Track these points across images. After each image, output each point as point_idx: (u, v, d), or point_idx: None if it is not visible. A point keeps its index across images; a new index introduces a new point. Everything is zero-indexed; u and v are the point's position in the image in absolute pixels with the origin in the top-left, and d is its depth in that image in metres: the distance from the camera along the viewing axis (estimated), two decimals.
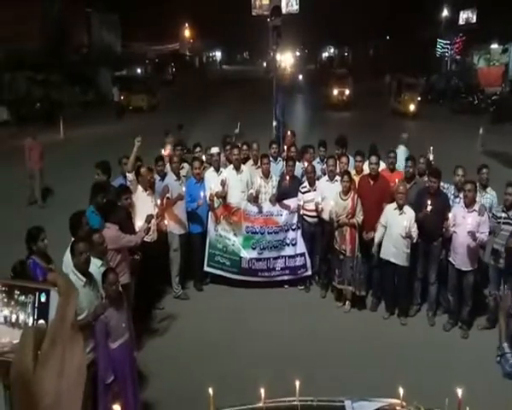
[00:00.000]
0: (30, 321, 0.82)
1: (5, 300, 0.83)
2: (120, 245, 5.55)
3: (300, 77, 31.56)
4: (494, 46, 33.17)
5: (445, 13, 41.03)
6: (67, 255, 4.63)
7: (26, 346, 0.73)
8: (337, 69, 33.40)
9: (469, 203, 6.23)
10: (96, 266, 4.74)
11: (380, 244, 6.69)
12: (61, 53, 31.77)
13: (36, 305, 0.81)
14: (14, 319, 0.83)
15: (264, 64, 58.52)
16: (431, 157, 7.94)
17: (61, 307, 0.76)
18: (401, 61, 37.90)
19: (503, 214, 6.31)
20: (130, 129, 9.90)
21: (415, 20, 40.09)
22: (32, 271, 4.70)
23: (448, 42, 38.95)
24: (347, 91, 28.00)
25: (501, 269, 6.33)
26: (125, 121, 23.77)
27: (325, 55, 72.61)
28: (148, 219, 5.86)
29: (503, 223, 6.27)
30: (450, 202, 6.70)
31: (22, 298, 0.83)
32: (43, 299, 0.81)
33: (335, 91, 28.07)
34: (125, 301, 4.72)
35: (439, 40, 40.32)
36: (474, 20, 37.30)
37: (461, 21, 39.06)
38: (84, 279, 4.45)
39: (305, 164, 7.88)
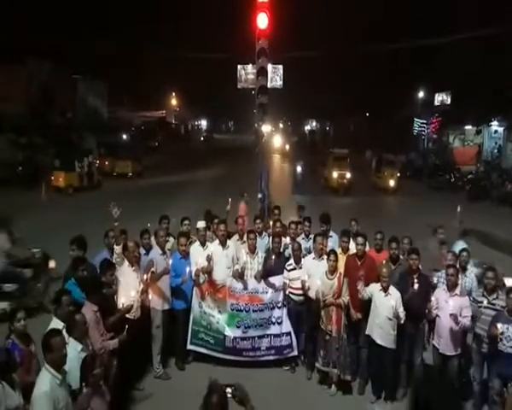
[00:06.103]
0: None
1: None
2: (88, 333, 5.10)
3: (299, 168, 26.67)
4: (468, 127, 35.11)
5: (422, 94, 43.57)
6: None
7: None
8: (336, 149, 29.40)
9: (451, 287, 6.32)
10: (75, 350, 4.42)
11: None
12: (46, 116, 32.18)
13: None
14: None
15: (252, 136, 60.05)
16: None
17: None
18: (380, 138, 39.61)
19: (484, 299, 6.35)
20: (114, 195, 9.92)
21: (393, 100, 42.38)
22: (11, 352, 4.48)
23: (425, 121, 41.13)
24: (348, 175, 25.16)
25: (484, 354, 6.32)
26: (110, 187, 23.85)
27: (307, 128, 75.34)
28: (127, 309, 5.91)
29: (485, 307, 6.29)
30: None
31: None
32: None
33: (335, 174, 25.29)
34: (104, 386, 4.50)
35: (416, 119, 42.56)
36: (449, 102, 39.58)
37: (436, 102, 41.37)
38: (60, 377, 3.93)
39: (288, 240, 7.98)
